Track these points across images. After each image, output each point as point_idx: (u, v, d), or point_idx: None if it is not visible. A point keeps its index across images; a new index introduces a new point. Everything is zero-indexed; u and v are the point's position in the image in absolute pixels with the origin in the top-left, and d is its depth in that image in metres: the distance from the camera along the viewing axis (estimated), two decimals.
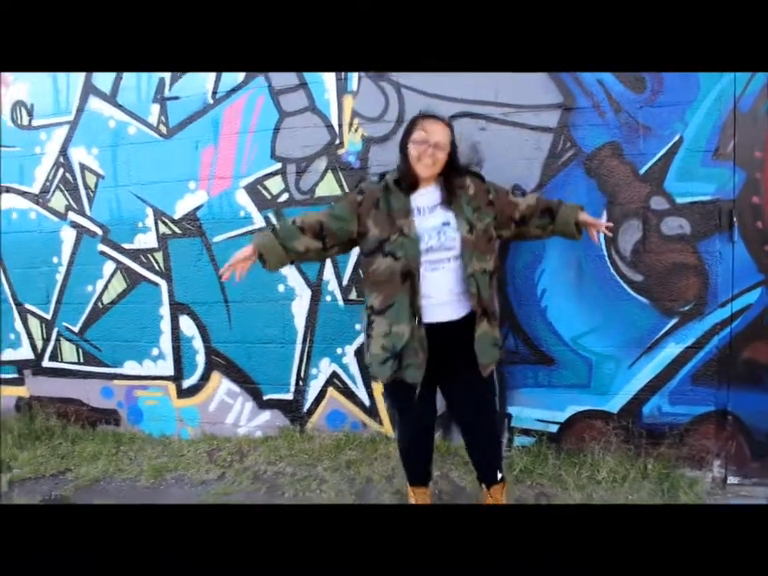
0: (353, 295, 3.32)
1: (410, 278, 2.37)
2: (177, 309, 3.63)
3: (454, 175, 2.47)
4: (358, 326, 3.33)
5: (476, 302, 2.39)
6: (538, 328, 3.10)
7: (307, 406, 3.50)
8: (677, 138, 2.86)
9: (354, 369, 3.39)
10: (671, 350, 2.99)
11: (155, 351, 3.71)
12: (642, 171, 2.92)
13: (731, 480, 3.00)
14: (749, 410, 2.96)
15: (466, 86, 3.06)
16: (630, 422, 3.06)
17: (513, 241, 2.93)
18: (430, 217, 2.43)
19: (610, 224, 2.66)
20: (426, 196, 2.47)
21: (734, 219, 2.85)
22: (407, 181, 2.44)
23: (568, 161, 2.99)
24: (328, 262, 3.33)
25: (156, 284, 3.65)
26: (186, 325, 3.62)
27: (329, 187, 3.29)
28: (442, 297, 2.40)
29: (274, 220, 3.36)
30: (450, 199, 2.44)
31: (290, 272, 3.39)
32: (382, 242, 2.39)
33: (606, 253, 3.00)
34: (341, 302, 3.36)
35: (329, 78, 3.26)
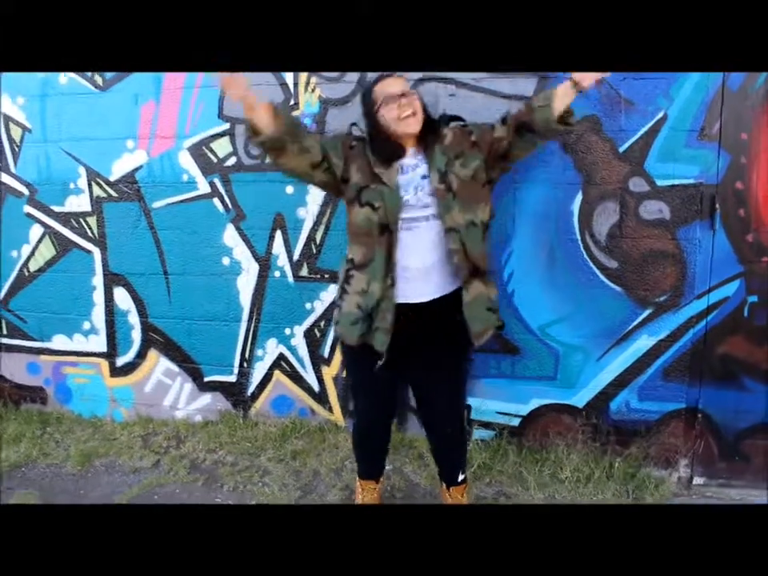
0: (304, 271, 3.01)
1: (387, 231, 2.14)
2: (111, 279, 3.27)
3: (428, 128, 2.20)
4: (308, 305, 3.04)
5: (461, 258, 2.14)
6: (503, 314, 2.76)
7: (251, 389, 3.20)
8: (660, 114, 2.61)
9: (303, 351, 3.10)
10: (643, 342, 2.77)
11: (87, 325, 3.36)
12: (621, 149, 2.66)
13: (697, 480, 2.82)
14: (720, 408, 2.77)
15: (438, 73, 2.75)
16: (597, 418, 2.85)
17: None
18: (410, 172, 2.19)
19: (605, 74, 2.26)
20: (410, 155, 2.22)
21: (717, 206, 2.62)
22: (390, 154, 2.18)
23: None
24: (278, 235, 3.02)
25: (89, 251, 3.28)
26: (121, 297, 3.28)
27: None
28: (418, 265, 2.16)
29: (219, 186, 3.05)
30: (428, 151, 2.19)
31: (236, 244, 3.08)
32: (361, 190, 2.17)
33: (579, 236, 2.75)
34: (290, 279, 3.04)
35: None
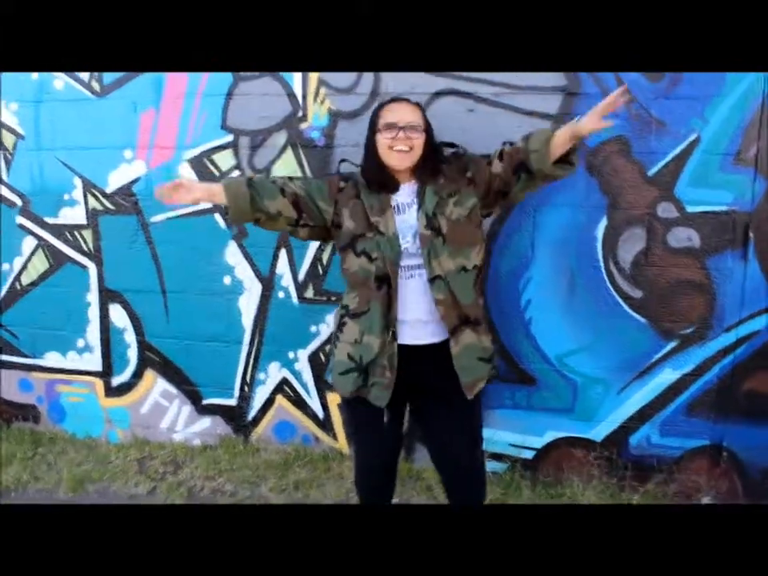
0: (309, 293, 2.84)
1: (385, 284, 2.00)
2: (107, 296, 3.10)
3: (429, 164, 2.04)
4: (313, 328, 2.87)
5: (448, 308, 1.99)
6: (519, 343, 2.68)
7: (252, 414, 3.03)
8: (693, 137, 2.43)
9: (308, 376, 2.93)
10: (667, 376, 2.61)
11: (81, 342, 3.18)
12: (650, 173, 2.49)
13: None
14: (746, 445, 2.61)
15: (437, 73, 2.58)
16: (615, 453, 2.70)
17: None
18: (406, 214, 2.04)
19: (623, 93, 1.95)
20: (406, 191, 2.06)
21: (750, 234, 2.46)
22: (379, 180, 2.03)
23: None
24: (282, 254, 2.85)
25: (83, 266, 3.10)
26: (117, 315, 3.10)
27: (287, 166, 2.77)
28: (419, 312, 2.02)
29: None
30: (421, 189, 2.05)
31: (238, 263, 2.90)
32: (355, 239, 2.03)
33: (602, 263, 2.58)
34: (295, 300, 2.87)
35: None
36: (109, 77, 2.91)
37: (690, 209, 2.49)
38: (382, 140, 1.99)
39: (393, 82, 2.63)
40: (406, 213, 2.04)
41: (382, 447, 2.20)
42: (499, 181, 2.06)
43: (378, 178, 2.03)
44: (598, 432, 2.70)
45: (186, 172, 2.88)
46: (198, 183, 2.18)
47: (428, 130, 2.06)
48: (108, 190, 3.01)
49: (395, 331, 2.00)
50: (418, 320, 2.02)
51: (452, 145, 2.15)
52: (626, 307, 2.59)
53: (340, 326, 2.14)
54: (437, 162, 2.06)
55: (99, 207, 3.04)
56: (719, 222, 2.47)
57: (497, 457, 2.80)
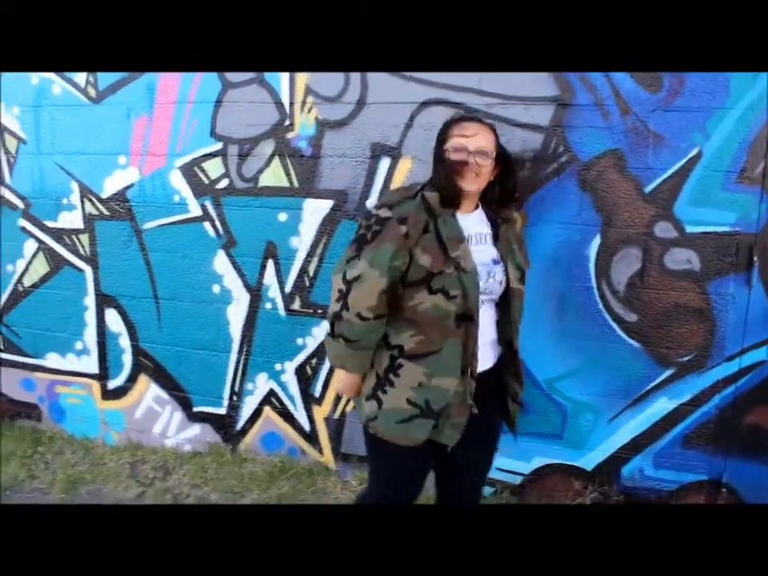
0: (296, 305, 2.76)
1: (466, 321, 1.83)
2: (103, 300, 3.09)
3: (502, 197, 1.96)
4: (300, 341, 2.80)
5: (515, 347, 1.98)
6: None
7: (241, 424, 2.98)
8: (694, 152, 2.25)
9: (294, 389, 2.86)
10: (662, 405, 2.44)
11: (79, 345, 3.19)
12: (647, 189, 2.31)
13: None
14: (747, 482, 2.43)
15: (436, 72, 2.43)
16: (607, 483, 2.55)
17: None
18: (479, 249, 1.89)
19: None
20: (473, 220, 1.93)
21: (755, 258, 2.27)
22: (451, 196, 1.86)
23: (560, 169, 2.38)
24: (269, 264, 2.77)
25: (81, 270, 3.10)
26: (113, 319, 3.09)
27: (274, 176, 2.70)
28: (482, 341, 1.90)
29: (211, 209, 2.83)
30: (495, 231, 1.94)
31: (227, 272, 2.85)
32: (431, 276, 1.80)
33: (594, 285, 2.42)
34: (282, 312, 2.80)
35: None
36: (103, 82, 2.89)
37: (689, 229, 2.30)
38: (451, 161, 1.84)
39: (380, 90, 2.52)
40: (479, 245, 1.90)
41: (416, 487, 2.04)
42: None
43: (450, 192, 1.86)
44: (589, 460, 2.55)
45: (178, 179, 2.85)
46: (352, 385, 1.98)
47: (500, 154, 1.90)
48: (104, 196, 3.00)
49: (474, 369, 1.87)
50: (485, 343, 1.93)
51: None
52: (619, 331, 2.43)
53: (393, 368, 1.88)
54: (508, 194, 1.96)
55: (95, 212, 3.03)
56: (721, 244, 2.28)
57: None
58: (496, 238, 1.93)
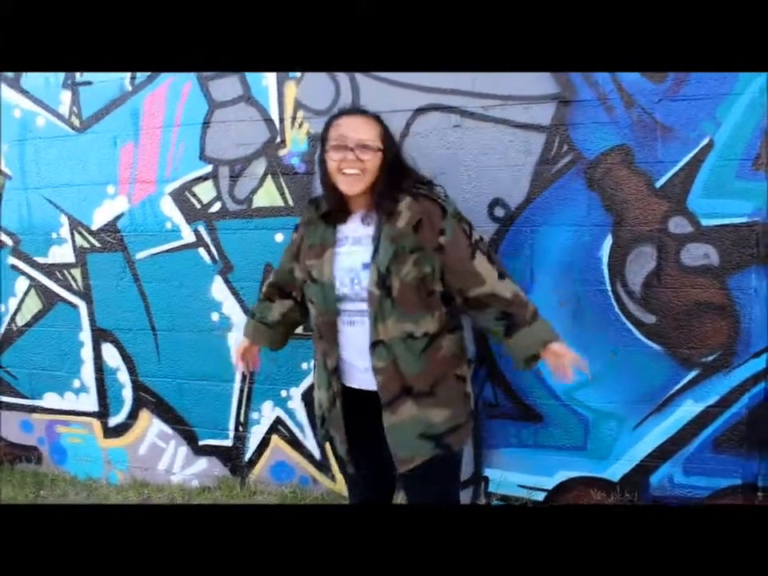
0: (298, 329, 2.62)
1: (323, 332, 1.80)
2: (99, 335, 2.94)
3: (386, 190, 1.72)
4: (304, 365, 2.64)
5: (388, 378, 1.71)
6: (523, 376, 2.37)
7: (249, 455, 2.81)
8: (705, 141, 2.12)
9: (302, 415, 2.70)
10: (688, 408, 2.28)
11: (77, 383, 3.03)
12: (658, 184, 2.18)
13: None
14: None
15: (436, 72, 2.29)
16: (635, 494, 2.39)
17: None
18: (351, 252, 1.75)
19: (586, 363, 1.82)
20: (358, 221, 1.79)
21: None
22: (332, 205, 1.76)
23: (564, 168, 2.25)
24: None
25: (74, 305, 2.95)
26: (110, 354, 2.93)
27: (269, 196, 2.56)
28: (358, 359, 1.76)
29: (205, 235, 2.69)
30: (377, 230, 1.73)
31: (225, 298, 2.69)
32: (302, 285, 1.88)
33: (609, 287, 2.27)
34: None
35: None
36: (87, 110, 2.76)
37: (705, 222, 2.16)
38: (331, 160, 1.71)
39: (372, 99, 2.37)
40: (348, 248, 1.75)
41: (364, 492, 1.98)
42: (472, 288, 1.73)
43: (332, 202, 1.76)
44: (614, 471, 2.39)
45: (168, 206, 2.71)
46: (242, 345, 2.16)
47: (387, 147, 1.73)
48: (94, 227, 2.85)
49: (339, 384, 1.78)
50: (360, 366, 1.77)
51: (429, 183, 1.81)
52: (638, 334, 2.28)
53: (314, 367, 1.99)
54: (395, 191, 1.72)
55: (86, 245, 2.88)
56: (739, 236, 2.14)
57: (505, 499, 2.52)
58: (378, 238, 1.72)
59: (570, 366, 1.78)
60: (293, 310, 2.07)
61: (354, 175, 1.68)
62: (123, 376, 2.94)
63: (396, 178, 1.74)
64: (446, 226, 1.71)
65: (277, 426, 2.75)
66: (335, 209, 1.77)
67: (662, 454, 2.34)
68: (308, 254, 1.79)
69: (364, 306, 1.71)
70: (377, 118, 1.78)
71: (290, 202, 2.54)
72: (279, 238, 2.57)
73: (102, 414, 3.03)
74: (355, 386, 1.80)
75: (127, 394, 2.96)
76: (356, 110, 1.80)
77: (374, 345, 1.70)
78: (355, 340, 1.74)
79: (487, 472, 2.51)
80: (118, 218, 2.81)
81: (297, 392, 2.69)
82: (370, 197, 1.74)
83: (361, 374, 1.77)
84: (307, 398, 2.67)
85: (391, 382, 1.71)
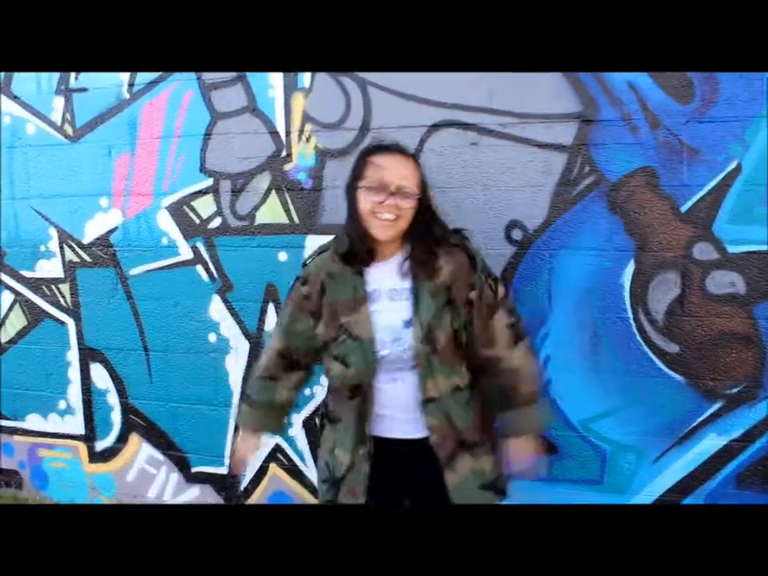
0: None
1: (359, 393, 1.65)
2: (88, 354, 2.76)
3: (424, 241, 1.61)
4: (307, 391, 2.48)
5: (442, 435, 1.63)
6: None
7: (245, 483, 2.64)
8: (733, 165, 2.01)
9: (303, 443, 2.54)
10: (711, 442, 2.16)
11: (62, 404, 2.85)
12: (684, 208, 2.07)
13: None
14: None
15: (453, 85, 2.19)
16: None
17: None
18: (389, 309, 1.62)
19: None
20: (386, 272, 1.64)
21: None
22: (359, 248, 1.61)
23: (586, 190, 2.14)
24: (270, 309, 2.47)
25: (62, 322, 2.78)
26: (99, 375, 2.76)
27: (272, 212, 2.42)
28: (401, 413, 1.66)
29: (203, 251, 2.54)
30: (415, 283, 1.61)
31: (223, 318, 2.54)
32: (327, 343, 1.66)
33: (630, 315, 2.16)
34: None
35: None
36: (81, 119, 2.62)
37: (731, 249, 2.05)
38: (364, 201, 1.57)
39: (384, 114, 2.26)
40: (383, 304, 1.62)
41: None
42: (489, 348, 1.66)
43: (359, 245, 1.60)
44: None
45: (165, 220, 2.55)
46: (245, 441, 1.87)
47: (424, 193, 1.62)
48: (84, 241, 2.69)
49: (369, 448, 1.65)
50: (399, 418, 1.66)
51: (458, 231, 1.71)
52: (660, 364, 2.16)
53: (321, 426, 1.84)
54: (432, 242, 1.61)
55: (76, 259, 2.72)
56: (766, 263, 2.03)
57: None
58: (416, 290, 1.62)
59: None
60: (302, 382, 1.86)
61: (388, 221, 1.55)
62: (112, 398, 2.76)
63: (431, 226, 1.63)
64: (476, 281, 1.64)
65: (275, 454, 2.58)
66: (361, 252, 1.61)
67: (682, 489, 2.21)
68: (341, 308, 1.61)
69: (405, 363, 1.61)
70: (415, 159, 1.67)
71: (295, 219, 2.40)
72: (283, 256, 2.43)
73: (89, 438, 2.84)
74: (398, 436, 1.67)
75: (116, 416, 2.78)
76: (396, 148, 1.65)
77: (426, 402, 1.61)
78: (398, 397, 1.64)
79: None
80: (110, 231, 2.65)
81: (298, 418, 2.52)
82: (398, 243, 1.63)
83: (404, 425, 1.66)
84: (308, 424, 2.52)
85: (446, 439, 1.64)
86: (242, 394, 1.89)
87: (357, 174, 1.62)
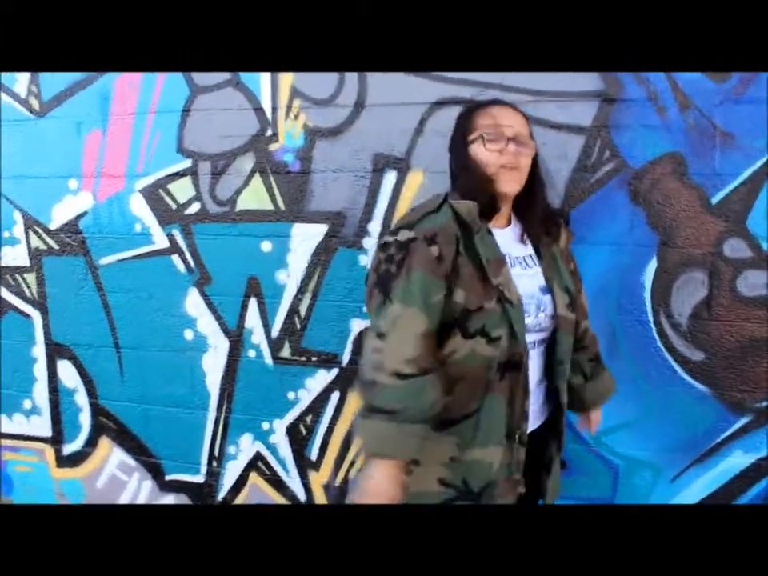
0: (285, 352, 2.18)
1: (512, 371, 1.39)
2: (55, 350, 2.47)
3: (539, 204, 1.51)
4: (291, 395, 2.21)
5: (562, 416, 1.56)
6: None
7: (222, 493, 2.35)
8: None
9: (286, 451, 2.25)
10: (737, 460, 1.91)
11: (27, 403, 2.55)
12: (714, 200, 1.81)
13: None
14: None
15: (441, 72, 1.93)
16: None
17: None
18: (527, 273, 1.48)
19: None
20: (509, 238, 1.49)
21: None
22: (486, 201, 1.41)
23: (605, 178, 1.87)
24: (252, 304, 2.20)
25: (27, 315, 2.48)
26: (67, 372, 2.46)
27: (255, 197, 2.14)
28: (535, 396, 1.49)
29: (180, 240, 2.25)
30: (538, 247, 1.52)
31: (200, 314, 2.25)
32: (467, 314, 1.35)
33: (651, 317, 1.90)
34: (268, 361, 2.20)
35: None
36: (48, 92, 2.31)
37: (767, 246, 1.81)
38: (485, 151, 1.41)
39: (382, 89, 1.99)
40: (520, 271, 1.46)
41: None
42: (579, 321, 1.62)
43: (486, 203, 1.41)
44: None
45: (139, 205, 2.27)
46: (386, 486, 1.31)
47: (536, 148, 1.50)
48: (52, 227, 2.39)
49: (524, 432, 1.43)
50: (535, 398, 1.50)
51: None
52: (682, 373, 1.90)
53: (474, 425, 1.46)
54: (544, 201, 1.54)
55: (43, 246, 2.42)
56: None
57: None
58: (540, 256, 1.52)
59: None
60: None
61: (514, 171, 1.41)
62: (81, 398, 2.47)
63: (542, 187, 1.54)
64: (570, 252, 1.67)
65: (256, 463, 2.30)
66: (491, 210, 1.44)
67: None
68: (492, 267, 1.37)
69: (537, 336, 1.47)
70: (526, 116, 1.52)
71: (281, 205, 2.12)
72: (266, 246, 2.15)
73: (56, 441, 2.55)
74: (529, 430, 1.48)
75: (85, 418, 2.49)
76: (503, 102, 1.52)
77: (560, 364, 1.50)
78: (532, 377, 1.46)
79: None
80: (80, 216, 2.35)
81: (281, 425, 2.24)
82: (510, 205, 1.50)
83: (534, 417, 1.49)
84: (292, 431, 2.24)
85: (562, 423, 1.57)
86: (370, 410, 1.31)
87: (466, 127, 1.47)
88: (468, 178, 1.43)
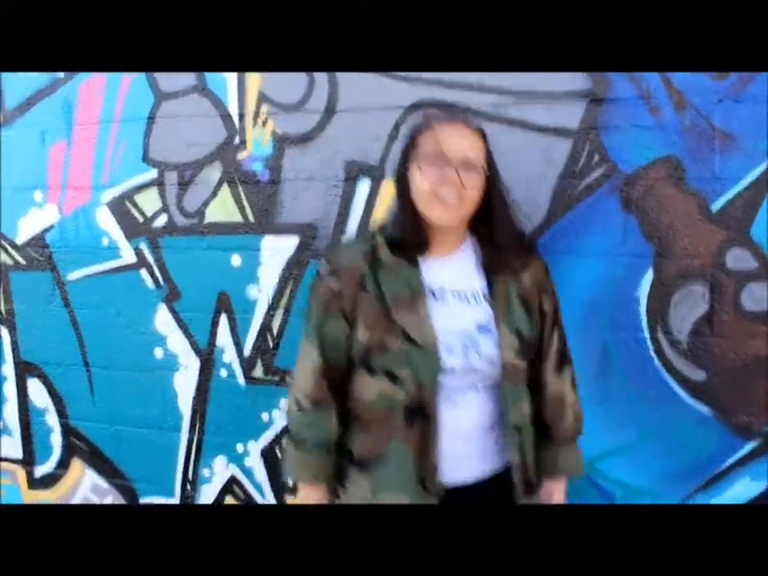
0: (258, 371, 2.04)
1: (419, 417, 1.31)
2: (24, 369, 2.34)
3: (507, 230, 1.37)
4: (265, 416, 2.07)
5: (520, 476, 1.39)
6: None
7: None
8: None
9: (261, 475, 2.11)
10: (744, 487, 1.73)
11: None
12: (714, 207, 1.65)
13: None
14: None
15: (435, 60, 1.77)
16: None
17: None
18: (457, 310, 1.35)
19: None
20: (453, 267, 1.38)
21: None
22: (415, 238, 1.33)
23: (595, 184, 1.71)
24: (222, 321, 2.06)
25: None
26: (36, 392, 2.33)
27: (223, 209, 2.00)
28: (466, 447, 1.35)
29: (147, 254, 2.11)
30: (492, 279, 1.37)
31: (170, 331, 2.11)
32: (368, 352, 1.32)
33: (648, 334, 1.73)
34: (240, 380, 2.06)
35: None
36: (12, 100, 2.19)
37: None
38: (421, 178, 1.29)
39: (354, 93, 1.83)
40: (448, 304, 1.34)
41: None
42: (542, 366, 1.46)
43: (413, 234, 1.32)
44: None
45: (105, 218, 2.13)
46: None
47: (490, 168, 1.34)
48: (18, 241, 2.27)
49: (435, 482, 1.32)
50: (461, 455, 1.35)
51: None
52: (682, 394, 1.73)
53: (341, 479, 1.43)
54: (517, 233, 1.41)
55: (9, 261, 2.29)
56: None
57: None
58: (492, 288, 1.38)
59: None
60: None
61: (451, 203, 1.28)
62: (52, 418, 2.34)
63: (510, 213, 1.38)
64: (549, 288, 1.44)
65: (231, 487, 2.16)
66: (416, 243, 1.33)
67: None
68: (395, 304, 1.29)
69: (474, 378, 1.33)
70: (482, 132, 1.38)
71: (250, 217, 1.97)
72: (236, 260, 2.00)
73: (28, 462, 2.42)
74: (459, 481, 1.34)
75: (56, 439, 2.36)
76: (460, 117, 1.49)
77: (513, 429, 1.36)
78: (458, 426, 1.33)
79: None
80: (46, 230, 2.23)
81: (255, 447, 2.10)
82: (461, 233, 1.39)
83: (466, 467, 1.36)
84: (267, 454, 2.09)
85: (521, 482, 1.39)
86: (287, 436, 1.45)
87: (409, 149, 1.35)
88: (401, 207, 1.35)
